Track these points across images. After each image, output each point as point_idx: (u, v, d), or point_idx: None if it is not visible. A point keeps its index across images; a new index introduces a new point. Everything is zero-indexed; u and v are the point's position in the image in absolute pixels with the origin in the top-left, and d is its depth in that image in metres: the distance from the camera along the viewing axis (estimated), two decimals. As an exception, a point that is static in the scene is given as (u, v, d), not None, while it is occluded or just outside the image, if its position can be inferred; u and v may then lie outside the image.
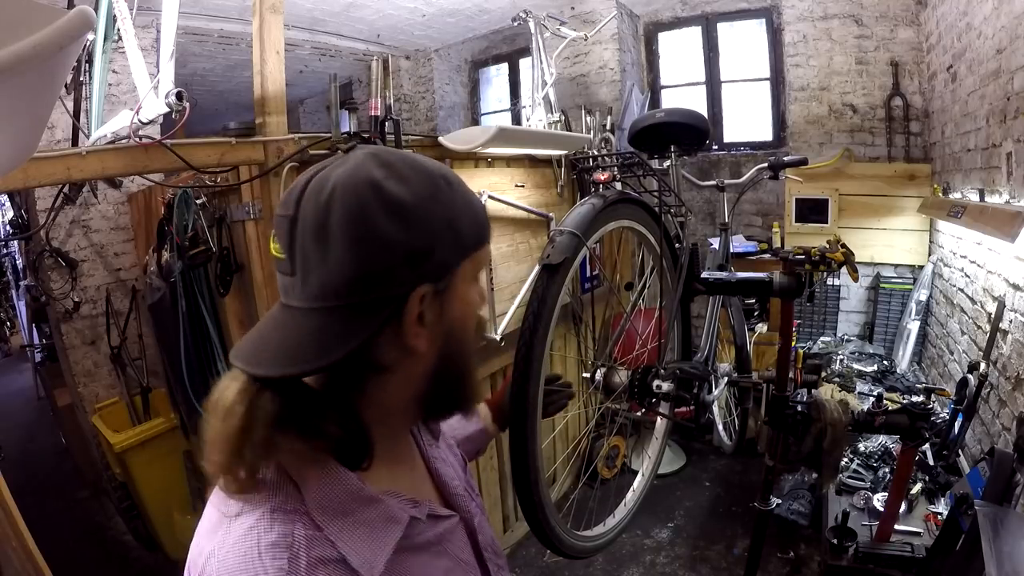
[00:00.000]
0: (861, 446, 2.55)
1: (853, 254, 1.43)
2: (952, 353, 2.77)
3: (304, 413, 0.54)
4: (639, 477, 1.73)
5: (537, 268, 1.15)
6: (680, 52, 4.36)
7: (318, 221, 0.52)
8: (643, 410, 1.53)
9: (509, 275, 2.67)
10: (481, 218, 0.61)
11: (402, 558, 0.58)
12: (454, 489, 0.73)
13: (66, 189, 2.71)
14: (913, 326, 3.23)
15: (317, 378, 0.59)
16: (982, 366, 2.09)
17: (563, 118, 3.11)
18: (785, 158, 1.86)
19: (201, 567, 0.54)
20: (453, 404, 0.66)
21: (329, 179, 0.53)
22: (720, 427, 2.29)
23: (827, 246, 1.41)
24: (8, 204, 3.96)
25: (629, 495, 1.66)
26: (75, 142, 2.34)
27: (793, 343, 2.08)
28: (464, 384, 0.65)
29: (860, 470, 2.41)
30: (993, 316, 2.16)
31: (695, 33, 4.22)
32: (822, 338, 3.70)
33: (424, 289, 0.55)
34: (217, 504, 0.57)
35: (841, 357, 3.31)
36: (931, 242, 3.41)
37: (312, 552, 0.52)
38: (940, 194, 3.04)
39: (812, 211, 3.70)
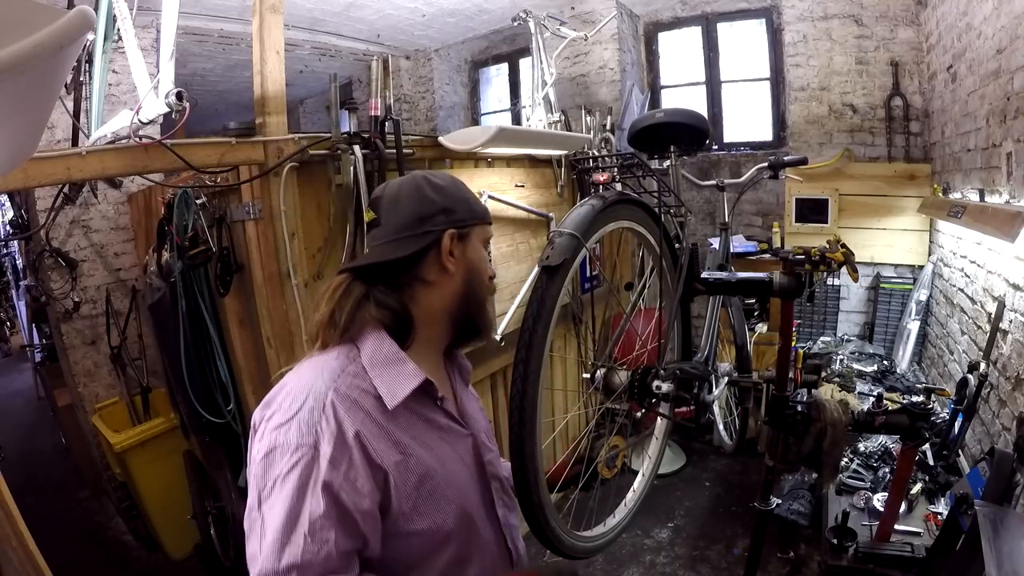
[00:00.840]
0: (861, 446, 2.55)
1: (853, 254, 1.43)
2: (952, 353, 2.77)
3: (380, 293, 0.87)
4: (639, 477, 1.73)
5: (537, 269, 1.15)
6: (680, 52, 4.36)
7: (394, 194, 0.91)
8: (643, 410, 1.53)
9: (509, 275, 2.68)
10: (482, 206, 0.98)
11: (414, 418, 0.84)
12: (471, 412, 0.98)
13: (66, 189, 2.71)
14: (913, 326, 3.23)
15: (384, 281, 0.88)
16: (982, 366, 2.09)
17: (563, 118, 3.11)
18: (785, 158, 1.86)
19: (276, 388, 0.81)
20: (473, 327, 0.95)
21: (399, 179, 0.95)
22: (720, 427, 2.29)
23: (827, 246, 1.41)
24: (8, 204, 3.97)
25: (629, 495, 1.66)
26: (75, 142, 2.35)
27: (793, 343, 2.08)
28: (481, 312, 0.95)
29: (860, 470, 2.41)
30: (993, 316, 2.16)
31: (695, 33, 4.22)
32: (822, 338, 3.70)
33: (452, 231, 0.89)
34: (305, 361, 0.86)
35: (841, 357, 3.31)
36: (931, 242, 3.41)
37: (355, 380, 0.80)
38: (940, 194, 3.04)
39: (812, 211, 3.70)
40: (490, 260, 1.00)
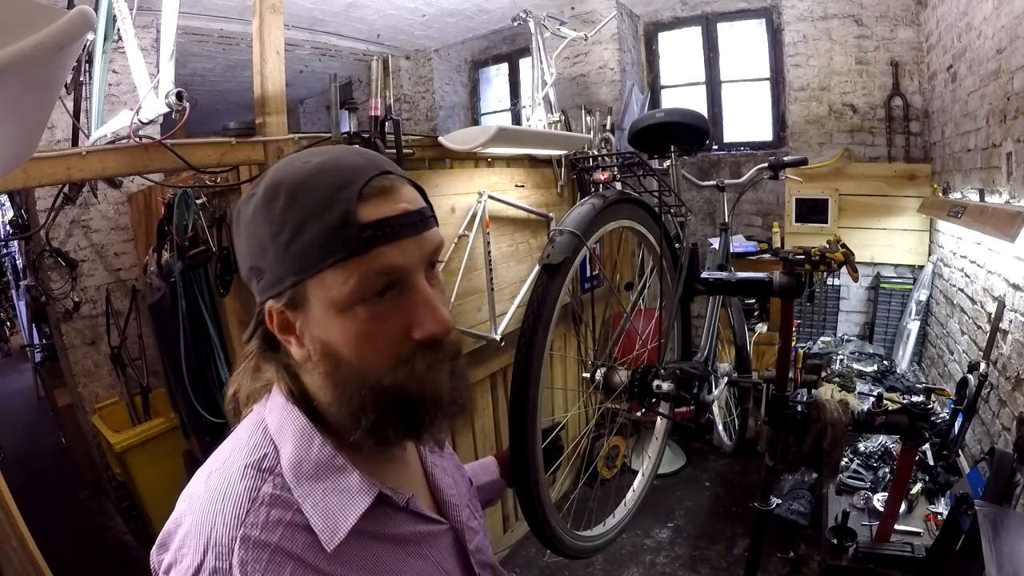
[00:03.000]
0: (861, 446, 2.55)
1: (853, 254, 1.43)
2: (952, 353, 2.77)
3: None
4: (639, 477, 1.73)
5: (537, 268, 1.15)
6: (680, 52, 4.36)
7: (241, 206, 0.59)
8: (643, 410, 1.53)
9: (509, 275, 2.67)
10: (319, 236, 0.53)
11: (370, 544, 0.58)
12: (448, 497, 0.71)
13: (66, 189, 2.71)
14: (913, 326, 3.23)
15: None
16: (982, 366, 2.09)
17: (563, 118, 3.11)
18: (785, 158, 1.86)
19: (173, 521, 0.57)
20: (379, 422, 0.58)
21: (271, 171, 0.59)
22: (720, 427, 2.29)
23: (827, 246, 1.41)
24: (8, 204, 3.96)
25: (629, 495, 1.66)
26: (75, 142, 2.34)
27: (793, 343, 2.08)
28: (379, 400, 0.57)
29: (860, 470, 2.41)
30: (993, 316, 2.16)
31: (695, 33, 4.22)
32: (822, 338, 3.70)
33: (271, 305, 0.57)
34: (206, 465, 0.61)
35: (841, 357, 3.31)
36: (931, 242, 3.41)
37: (273, 511, 0.53)
38: (940, 194, 3.04)
39: (812, 211, 3.70)
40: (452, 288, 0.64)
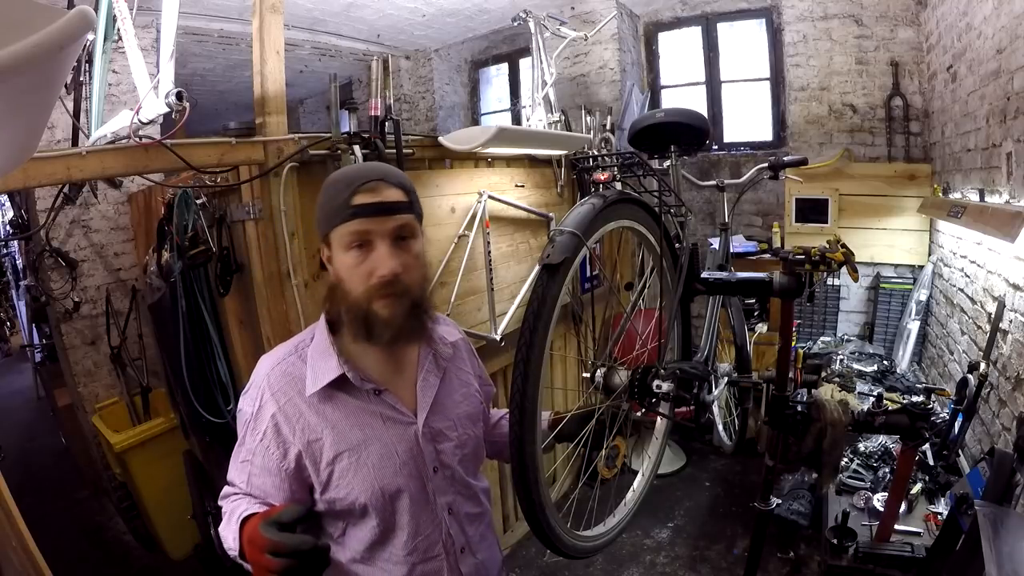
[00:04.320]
0: (861, 446, 2.55)
1: (853, 254, 1.43)
2: (952, 353, 2.77)
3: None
4: (639, 477, 1.73)
5: (537, 268, 1.14)
6: (680, 52, 4.36)
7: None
8: (643, 410, 1.53)
9: (509, 275, 2.67)
10: (333, 209, 0.93)
11: (340, 402, 0.97)
12: (422, 405, 1.03)
13: (66, 189, 2.70)
14: (913, 326, 3.23)
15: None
16: (982, 366, 2.09)
17: (563, 118, 3.11)
18: (785, 158, 1.85)
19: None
20: (360, 329, 0.95)
21: None
22: (720, 427, 2.28)
23: (827, 246, 1.41)
24: (8, 204, 3.97)
25: (629, 495, 1.66)
26: (75, 142, 2.34)
27: (793, 343, 2.08)
28: (356, 316, 0.94)
29: (860, 470, 2.41)
30: (993, 316, 2.16)
31: (695, 33, 4.22)
32: (822, 338, 3.70)
33: (320, 245, 0.99)
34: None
35: (841, 357, 3.31)
36: (931, 242, 3.41)
37: (294, 366, 0.99)
38: (940, 194, 3.04)
39: (812, 211, 3.70)
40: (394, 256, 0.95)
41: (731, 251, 2.33)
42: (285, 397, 0.96)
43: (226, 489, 1.01)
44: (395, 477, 0.98)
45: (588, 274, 3.25)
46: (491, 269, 2.45)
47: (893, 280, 3.52)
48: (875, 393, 2.45)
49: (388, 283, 0.92)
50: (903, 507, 2.07)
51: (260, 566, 0.78)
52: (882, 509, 2.05)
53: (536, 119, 3.03)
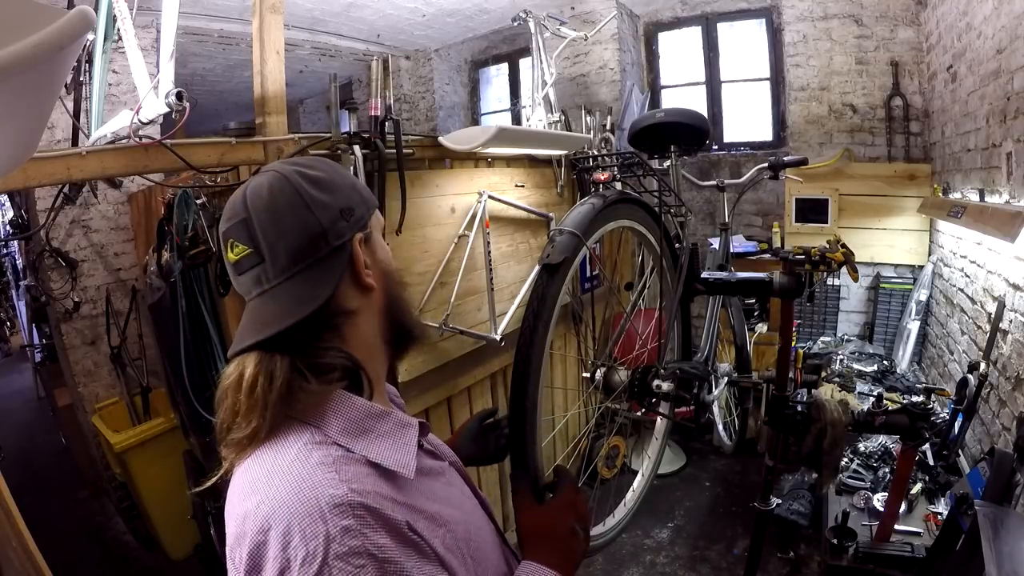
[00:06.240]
0: (861, 446, 2.55)
1: (853, 254, 1.43)
2: (952, 353, 2.77)
3: (311, 356, 0.64)
4: (639, 477, 1.73)
5: (537, 268, 1.14)
6: (680, 52, 4.36)
7: (269, 208, 0.65)
8: (643, 410, 1.53)
9: (509, 275, 2.67)
10: (367, 189, 0.77)
11: (421, 479, 0.66)
12: (432, 439, 0.80)
13: (66, 189, 2.71)
14: (913, 326, 3.23)
15: (306, 338, 0.66)
16: (982, 366, 2.09)
17: (563, 118, 3.11)
18: (785, 158, 1.86)
19: (247, 529, 0.57)
20: (406, 335, 0.77)
21: (261, 182, 0.67)
22: (720, 427, 2.29)
23: (827, 246, 1.41)
24: (8, 204, 3.97)
25: (629, 495, 1.66)
26: (75, 142, 2.34)
27: (793, 343, 2.08)
28: (409, 316, 0.77)
29: (860, 470, 2.41)
30: (993, 316, 2.16)
31: (695, 33, 4.22)
32: (822, 338, 3.70)
33: (359, 235, 0.70)
34: (242, 476, 0.63)
35: (841, 357, 3.31)
36: (931, 242, 3.41)
37: (350, 466, 0.59)
38: (940, 194, 3.04)
39: (812, 211, 3.70)
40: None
41: (731, 251, 2.34)
42: (390, 501, 0.59)
43: None
44: (485, 524, 0.78)
45: (588, 274, 3.24)
46: (491, 269, 2.44)
47: (893, 280, 3.52)
48: (875, 393, 2.44)
49: None
50: (903, 507, 2.07)
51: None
52: (882, 509, 2.05)
53: (536, 119, 3.03)
